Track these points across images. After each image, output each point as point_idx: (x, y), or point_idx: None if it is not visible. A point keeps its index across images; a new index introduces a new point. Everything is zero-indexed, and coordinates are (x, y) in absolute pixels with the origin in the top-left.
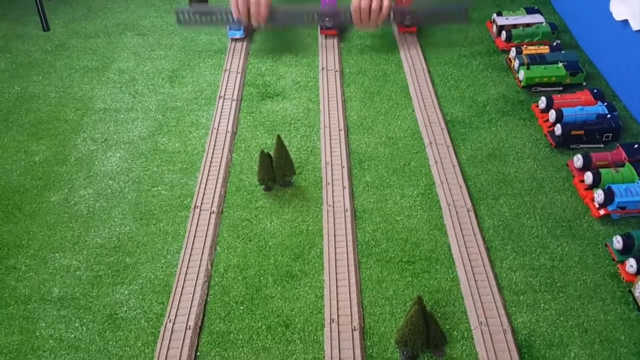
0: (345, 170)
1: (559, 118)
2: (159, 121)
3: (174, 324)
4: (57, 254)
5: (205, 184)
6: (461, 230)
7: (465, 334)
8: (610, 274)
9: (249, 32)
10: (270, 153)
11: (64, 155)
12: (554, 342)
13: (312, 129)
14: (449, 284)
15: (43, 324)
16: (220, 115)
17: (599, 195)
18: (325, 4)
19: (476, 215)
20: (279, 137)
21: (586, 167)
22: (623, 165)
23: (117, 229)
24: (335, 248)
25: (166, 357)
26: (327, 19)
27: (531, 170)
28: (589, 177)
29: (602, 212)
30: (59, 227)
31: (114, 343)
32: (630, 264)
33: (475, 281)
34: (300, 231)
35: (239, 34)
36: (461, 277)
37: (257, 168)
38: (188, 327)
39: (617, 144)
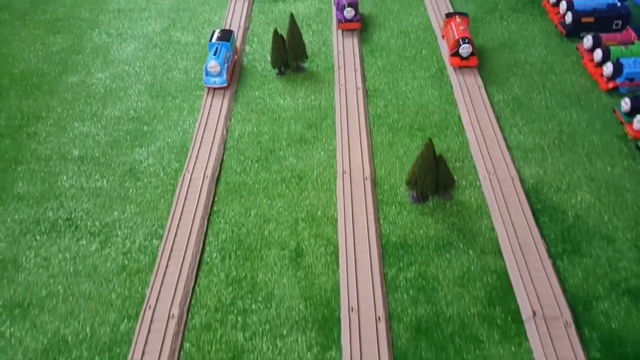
0: (357, 57)
1: (570, 7)
2: (172, 19)
3: (192, 174)
4: (76, 124)
5: None
6: (472, 102)
7: (474, 183)
8: (617, 136)
9: None
10: (283, 35)
11: (80, 46)
12: (560, 189)
13: (324, 25)
14: (459, 145)
15: (64, 177)
16: (233, 14)
17: (607, 67)
18: None
19: (487, 91)
20: (292, 16)
21: (596, 47)
22: (632, 44)
23: (134, 104)
24: (347, 119)
25: (184, 202)
26: None
27: (541, 55)
28: (598, 53)
29: (610, 84)
30: (77, 103)
31: (134, 191)
32: (638, 119)
33: (485, 142)
34: (312, 106)
35: (219, 82)
36: (471, 139)
37: (269, 52)
38: (205, 176)
39: (627, 27)
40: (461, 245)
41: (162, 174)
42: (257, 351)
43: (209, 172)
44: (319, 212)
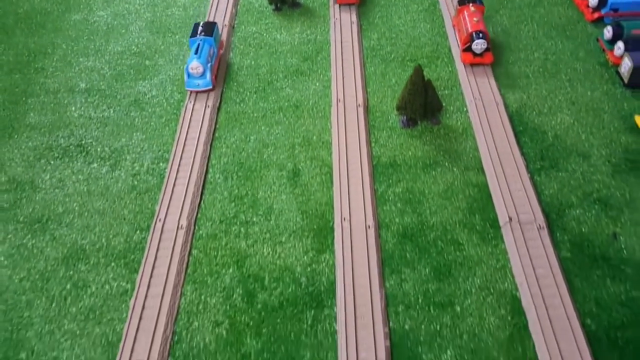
0: None
1: None
2: None
3: (194, 104)
4: (81, 59)
5: (217, 5)
6: None
7: (461, 108)
8: (599, 63)
9: None
10: None
11: None
12: (542, 112)
13: None
14: (448, 75)
15: (73, 108)
16: None
17: None
18: None
19: None
20: None
21: None
22: None
23: (136, 40)
24: (342, 52)
25: (188, 129)
26: None
27: None
28: None
29: (595, 15)
30: (81, 39)
31: (140, 120)
32: (618, 46)
33: (473, 71)
34: (308, 40)
35: (202, 84)
36: (459, 69)
37: None
38: (207, 106)
39: None
40: (446, 164)
41: (165, 104)
42: (258, 255)
43: (210, 103)
44: (314, 137)
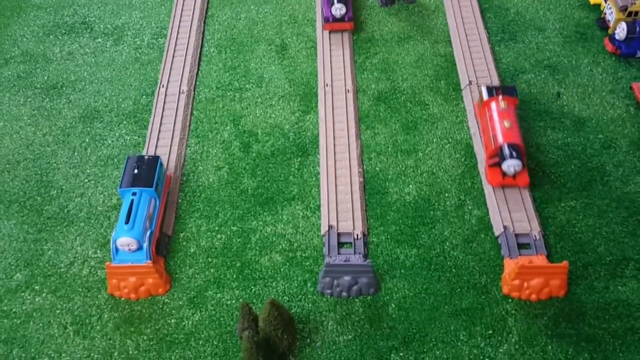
0: None
1: None
2: None
3: None
4: None
5: None
6: None
7: None
8: None
9: None
10: None
11: None
12: None
13: None
14: None
15: None
16: None
17: None
18: None
19: None
20: None
21: None
22: None
23: None
24: None
25: (182, 8)
26: None
27: None
28: None
29: None
30: None
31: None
32: None
33: None
34: None
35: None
36: None
37: None
38: None
39: None
40: (418, 38)
41: None
42: (252, 115)
43: None
44: (300, 16)
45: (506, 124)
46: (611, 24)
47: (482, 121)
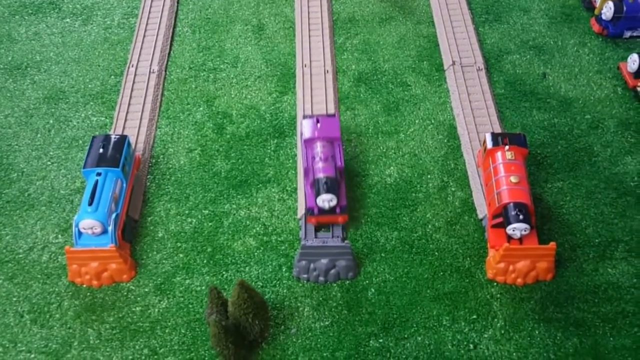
0: None
1: None
2: None
3: None
4: None
5: None
6: None
7: None
8: None
9: None
10: None
11: None
12: None
13: None
14: None
15: None
16: None
17: None
18: None
19: None
20: None
21: None
22: None
23: None
24: None
25: None
26: None
27: None
28: None
29: None
30: None
31: None
32: None
33: None
34: None
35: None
36: None
37: None
38: None
39: None
40: (401, 18)
41: None
42: (226, 96)
43: None
44: None
45: (513, 179)
46: (597, 4)
47: (485, 174)
